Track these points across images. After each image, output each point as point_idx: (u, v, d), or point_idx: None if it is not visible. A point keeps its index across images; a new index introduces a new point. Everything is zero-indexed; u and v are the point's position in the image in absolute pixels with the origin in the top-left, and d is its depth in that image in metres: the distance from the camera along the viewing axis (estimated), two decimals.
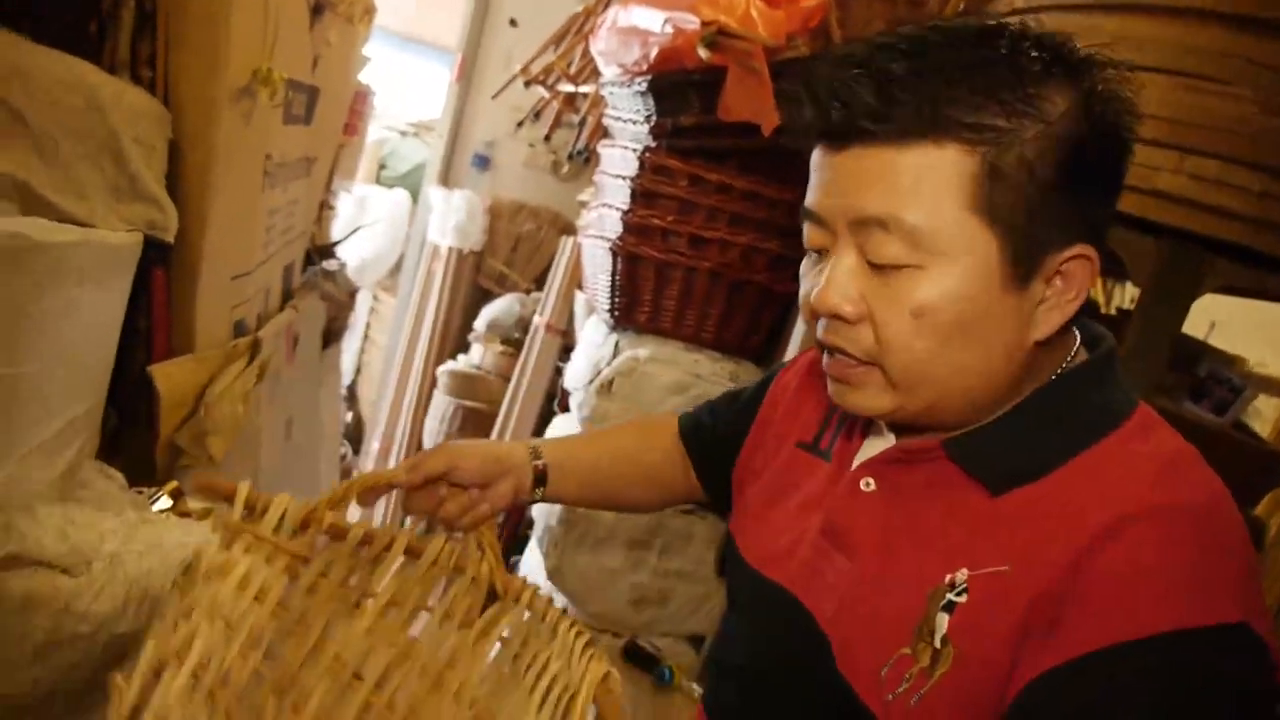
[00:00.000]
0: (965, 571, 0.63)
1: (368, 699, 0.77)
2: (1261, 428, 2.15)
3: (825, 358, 0.68)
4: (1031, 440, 0.65)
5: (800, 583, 0.74)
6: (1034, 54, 0.59)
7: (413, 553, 0.82)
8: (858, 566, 0.70)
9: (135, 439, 1.12)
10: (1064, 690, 0.56)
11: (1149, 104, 1.27)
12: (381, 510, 3.30)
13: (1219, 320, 2.20)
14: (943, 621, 0.62)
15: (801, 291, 0.69)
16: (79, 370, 0.90)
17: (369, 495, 0.80)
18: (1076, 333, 0.70)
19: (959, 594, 0.62)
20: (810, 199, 0.66)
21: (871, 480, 0.73)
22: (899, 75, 0.58)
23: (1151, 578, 0.56)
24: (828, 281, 0.64)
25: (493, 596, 0.85)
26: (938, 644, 0.62)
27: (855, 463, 0.75)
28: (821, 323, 0.66)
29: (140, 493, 0.92)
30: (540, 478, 0.90)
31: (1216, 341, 2.02)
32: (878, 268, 0.62)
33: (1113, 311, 2.08)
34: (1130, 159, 0.63)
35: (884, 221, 0.60)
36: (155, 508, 0.90)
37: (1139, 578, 0.56)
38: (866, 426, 0.78)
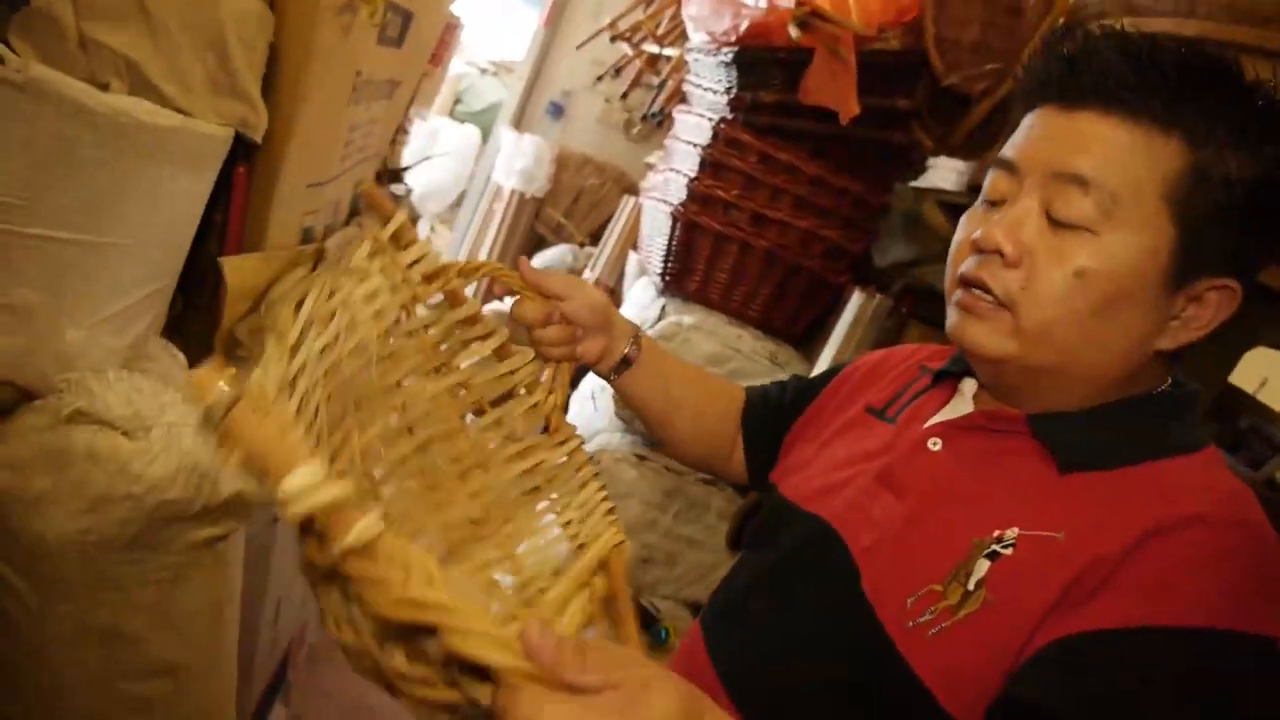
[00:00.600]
0: (1016, 530, 0.65)
1: (406, 454, 0.80)
2: None
3: (959, 291, 0.71)
4: (1113, 436, 0.68)
5: (841, 517, 0.76)
6: (1272, 99, 0.63)
7: (502, 354, 0.87)
8: (906, 507, 0.72)
9: (197, 325, 1.17)
10: (1092, 655, 0.58)
11: None
12: None
13: (1271, 377, 2.16)
14: (983, 567, 0.65)
15: (957, 236, 0.73)
16: (159, 249, 0.94)
17: (493, 280, 0.85)
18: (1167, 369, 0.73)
19: (1006, 546, 0.65)
20: (1010, 149, 0.70)
21: (940, 441, 0.75)
22: (1162, 61, 0.63)
23: (1204, 574, 0.59)
24: (1004, 219, 0.67)
25: (545, 429, 0.89)
26: (971, 586, 0.64)
27: (927, 424, 0.78)
28: (971, 259, 0.69)
29: None
30: (627, 360, 0.93)
31: (1266, 398, 1.99)
32: (1056, 224, 0.65)
33: None
34: None
35: (1086, 180, 0.64)
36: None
37: (1192, 571, 0.59)
38: (943, 400, 0.81)
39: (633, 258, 2.53)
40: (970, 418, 0.75)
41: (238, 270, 1.12)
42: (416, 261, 0.78)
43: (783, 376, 1.90)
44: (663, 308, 1.98)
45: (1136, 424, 0.69)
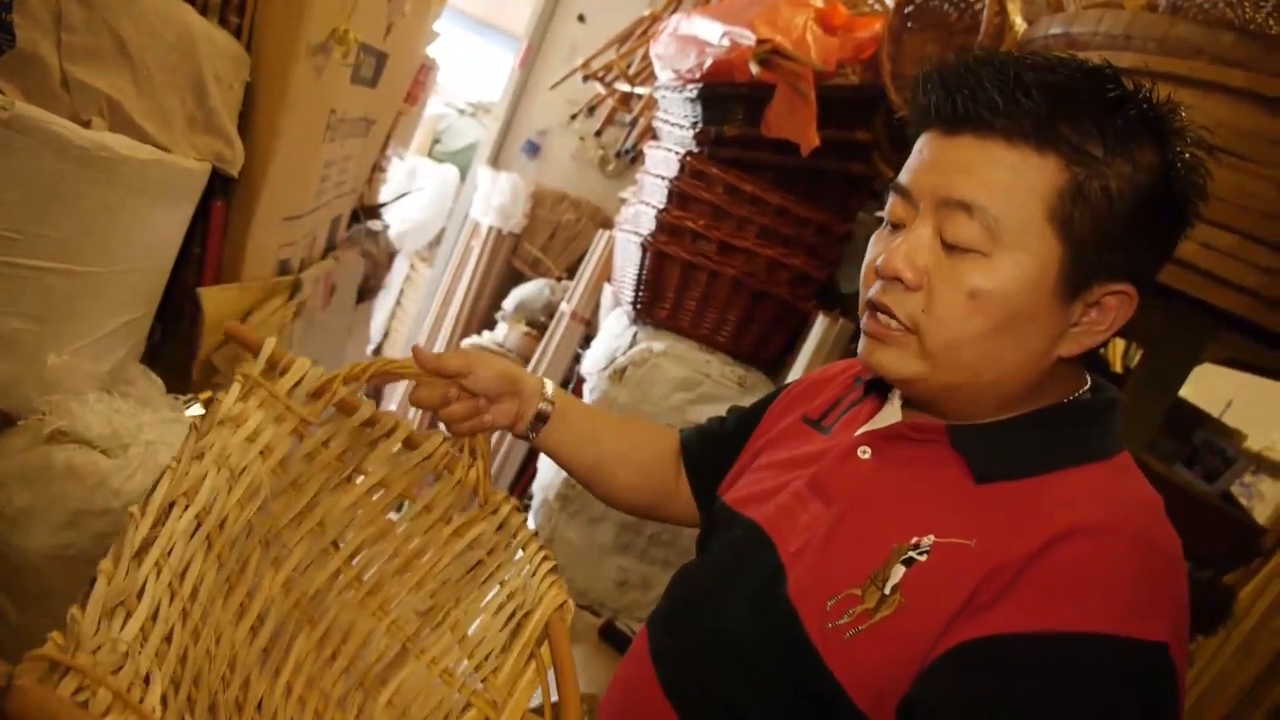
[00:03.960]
0: (932, 537, 0.68)
1: (339, 567, 0.82)
2: (1262, 509, 2.18)
3: (866, 319, 0.73)
4: (1026, 446, 0.71)
5: (772, 520, 0.79)
6: (1144, 107, 0.65)
7: (410, 444, 0.85)
8: (832, 514, 0.75)
9: (175, 353, 1.21)
10: (984, 659, 0.61)
11: None
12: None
13: (1236, 399, 2.22)
14: (898, 573, 0.67)
15: (866, 259, 0.75)
16: (139, 279, 0.98)
17: (384, 378, 0.82)
18: (1088, 377, 0.75)
19: (921, 553, 0.67)
20: (905, 175, 0.71)
21: (869, 449, 0.77)
22: (1028, 82, 0.64)
23: (1098, 583, 0.61)
24: (900, 247, 0.69)
25: (476, 501, 0.88)
26: (887, 591, 0.67)
27: (857, 433, 0.80)
28: (877, 285, 0.71)
29: (177, 398, 1.01)
30: (542, 416, 0.92)
31: (1231, 420, 2.04)
32: (949, 247, 0.67)
33: (1121, 370, 2.11)
34: (1187, 232, 0.69)
35: (970, 206, 0.65)
36: (189, 412, 0.98)
37: (1090, 578, 0.61)
38: (874, 410, 0.83)
39: (608, 290, 2.58)
40: (895, 427, 0.78)
41: (215, 300, 1.16)
42: (298, 384, 0.77)
43: (751, 400, 1.95)
44: (634, 335, 2.03)
45: (1051, 433, 0.71)
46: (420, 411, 3.50)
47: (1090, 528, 0.63)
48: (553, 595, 0.79)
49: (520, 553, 0.85)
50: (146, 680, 0.56)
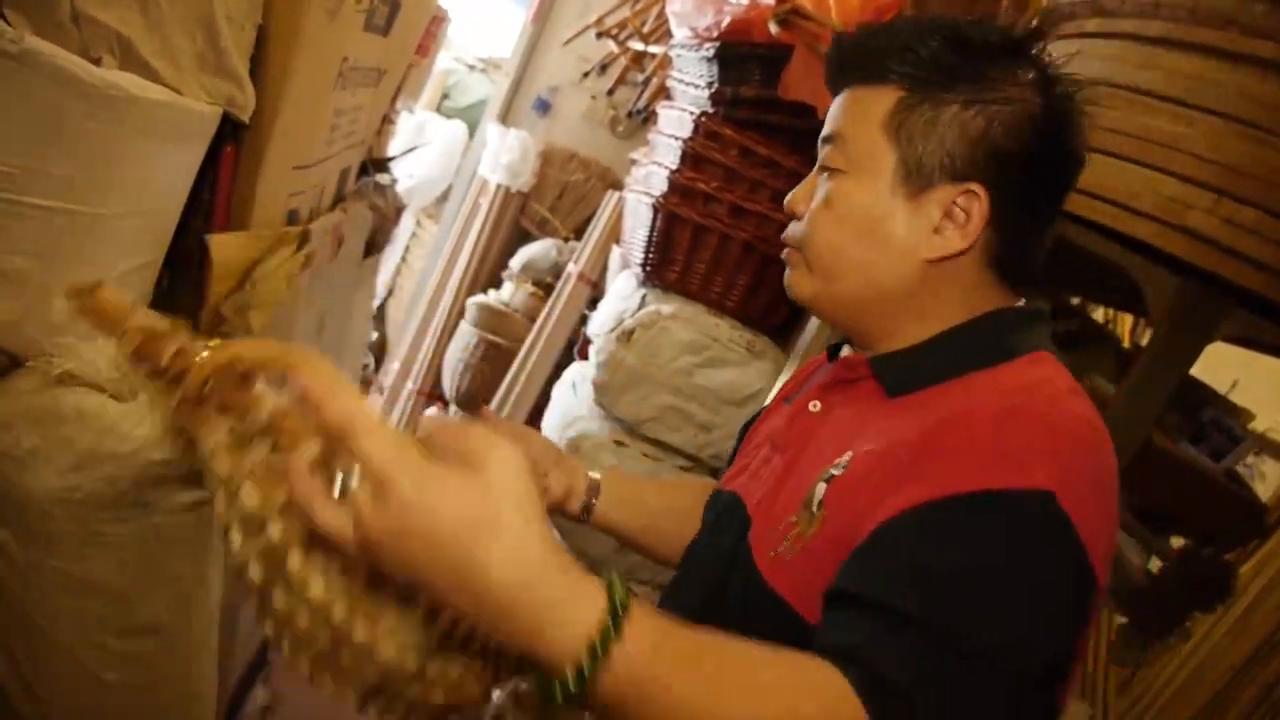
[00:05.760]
0: (850, 453, 0.73)
1: None
2: (1264, 490, 2.18)
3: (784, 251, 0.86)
4: (936, 359, 0.77)
5: (745, 486, 0.86)
6: (988, 38, 0.76)
7: None
8: (784, 461, 0.82)
9: (182, 301, 1.20)
10: (885, 538, 0.64)
11: (1194, 144, 1.30)
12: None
13: (1242, 379, 2.21)
14: (820, 490, 0.73)
15: None
16: (148, 223, 0.97)
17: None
18: (1023, 301, 0.81)
19: (839, 468, 0.73)
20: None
21: (819, 403, 0.84)
22: (878, 35, 0.79)
23: (961, 447, 0.66)
24: (796, 189, 0.83)
25: None
26: (814, 509, 0.73)
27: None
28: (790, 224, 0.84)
29: None
30: (593, 487, 0.98)
31: (1235, 400, 2.04)
32: (825, 173, 0.80)
33: (1130, 346, 2.11)
34: (1069, 166, 0.78)
35: (832, 137, 0.80)
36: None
37: (952, 448, 0.66)
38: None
39: (615, 252, 2.57)
40: (832, 371, 0.85)
41: (224, 248, 1.14)
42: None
43: (759, 365, 1.94)
44: (643, 297, 2.01)
45: (961, 344, 0.77)
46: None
47: (979, 404, 0.69)
48: None
49: None
50: None
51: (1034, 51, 0.77)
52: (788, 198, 0.84)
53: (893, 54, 0.76)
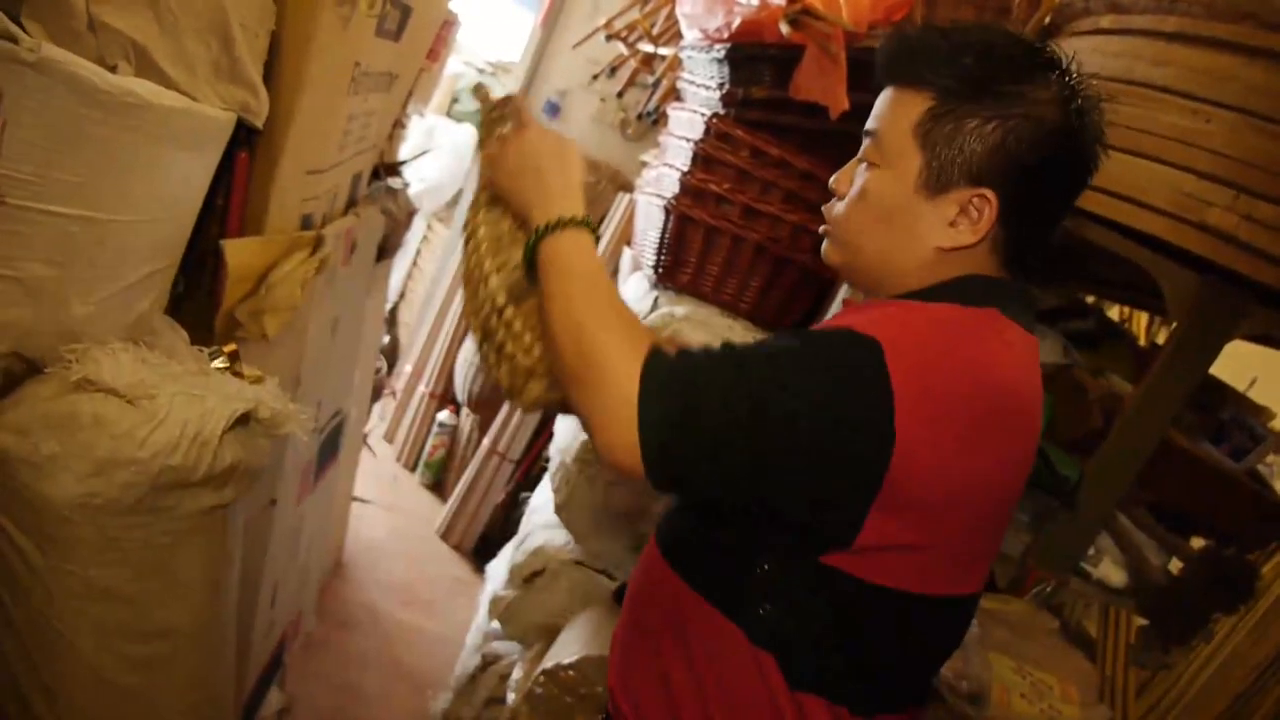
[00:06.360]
0: None
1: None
2: None
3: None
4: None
5: None
6: (1015, 53, 0.85)
7: None
8: None
9: (197, 306, 1.20)
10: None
11: (1211, 139, 1.29)
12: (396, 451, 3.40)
13: (1262, 376, 2.18)
14: None
15: None
16: (163, 229, 0.97)
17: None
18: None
19: None
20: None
21: None
22: (912, 43, 0.88)
23: (853, 315, 0.83)
24: (840, 172, 0.95)
25: None
26: None
27: None
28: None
29: (201, 350, 1.00)
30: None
31: (1255, 397, 2.01)
32: (865, 165, 0.90)
33: (1146, 344, 2.09)
34: (1081, 175, 0.88)
35: (872, 133, 0.90)
36: (213, 365, 0.97)
37: (849, 313, 0.86)
38: None
39: (627, 254, 2.56)
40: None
41: (239, 253, 1.15)
42: None
43: None
44: (655, 300, 2.01)
45: (933, 293, 0.87)
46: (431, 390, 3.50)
47: (887, 308, 0.87)
48: None
49: None
50: None
51: (1059, 63, 0.85)
52: (833, 178, 0.94)
53: (929, 64, 0.85)
